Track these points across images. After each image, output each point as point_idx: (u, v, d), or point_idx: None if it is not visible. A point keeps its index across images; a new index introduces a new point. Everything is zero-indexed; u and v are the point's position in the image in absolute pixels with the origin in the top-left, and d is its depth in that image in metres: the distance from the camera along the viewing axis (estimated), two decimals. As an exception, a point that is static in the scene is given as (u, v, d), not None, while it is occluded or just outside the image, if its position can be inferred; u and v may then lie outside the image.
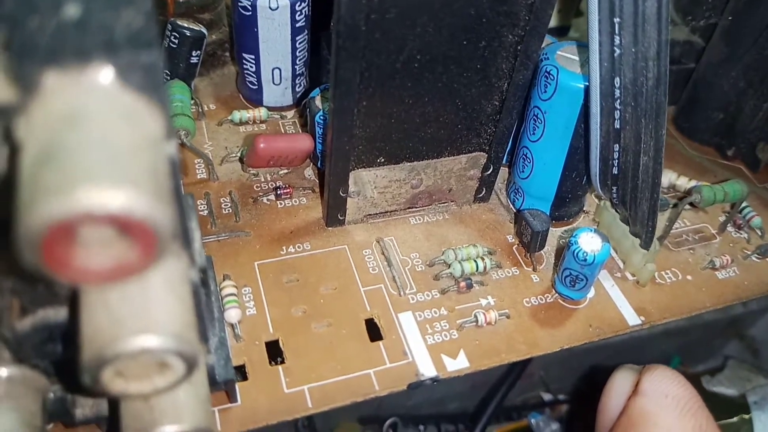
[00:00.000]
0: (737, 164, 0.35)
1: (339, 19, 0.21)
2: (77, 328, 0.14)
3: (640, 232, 0.27)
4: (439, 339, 0.25)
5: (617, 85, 0.23)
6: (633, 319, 0.27)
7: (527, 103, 0.27)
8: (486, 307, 0.26)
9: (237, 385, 0.23)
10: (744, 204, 0.32)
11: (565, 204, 0.29)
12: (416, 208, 0.30)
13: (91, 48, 0.12)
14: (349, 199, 0.28)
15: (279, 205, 0.29)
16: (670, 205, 0.31)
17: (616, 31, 0.22)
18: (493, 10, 0.23)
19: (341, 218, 0.28)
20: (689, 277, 0.29)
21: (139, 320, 0.14)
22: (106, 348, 0.14)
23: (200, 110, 0.32)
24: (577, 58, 0.26)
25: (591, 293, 0.28)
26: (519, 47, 0.24)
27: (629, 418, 0.22)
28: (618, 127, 0.24)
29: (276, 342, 0.25)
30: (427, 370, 0.24)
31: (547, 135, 0.27)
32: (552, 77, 0.26)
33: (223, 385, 0.21)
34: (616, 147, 0.24)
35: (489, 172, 0.29)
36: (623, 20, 0.22)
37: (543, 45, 0.26)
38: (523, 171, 0.29)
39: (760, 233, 0.31)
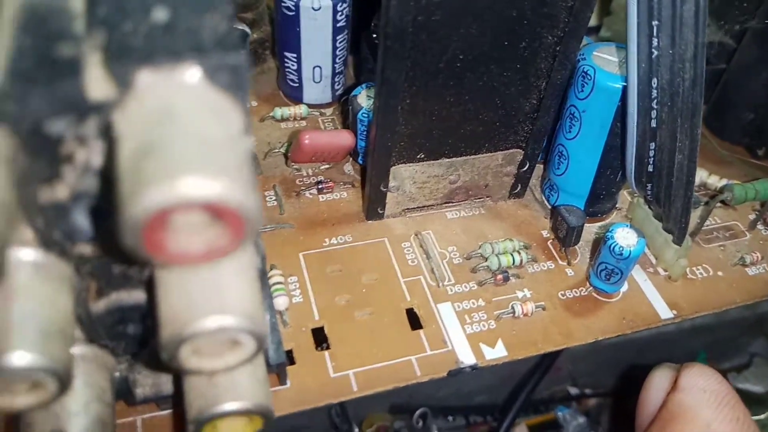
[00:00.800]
0: (766, 163, 0.35)
1: (387, 21, 0.22)
2: (155, 310, 0.16)
3: (674, 228, 0.28)
4: (477, 329, 0.26)
5: (654, 86, 0.24)
6: (665, 312, 0.28)
7: (564, 102, 0.28)
8: (522, 299, 0.27)
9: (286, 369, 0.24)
10: (777, 201, 0.32)
11: (599, 200, 0.30)
12: (453, 202, 0.31)
13: (180, 49, 0.13)
14: (388, 193, 0.29)
15: (321, 199, 0.30)
16: (702, 203, 0.31)
17: (654, 34, 0.23)
18: (534, 12, 0.24)
19: (381, 212, 0.29)
20: (720, 273, 0.30)
21: (215, 301, 0.15)
22: (185, 327, 0.15)
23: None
24: (613, 58, 0.27)
25: (624, 287, 0.28)
26: (558, 48, 0.25)
27: (668, 411, 0.23)
28: (654, 126, 0.25)
29: (321, 329, 0.26)
30: (467, 358, 0.25)
31: (583, 133, 0.28)
32: (589, 77, 0.26)
33: (276, 368, 0.23)
34: (652, 145, 0.25)
35: (525, 169, 0.30)
36: (661, 23, 0.23)
37: (582, 44, 0.27)
38: (558, 168, 0.30)
39: (790, 231, 0.32)
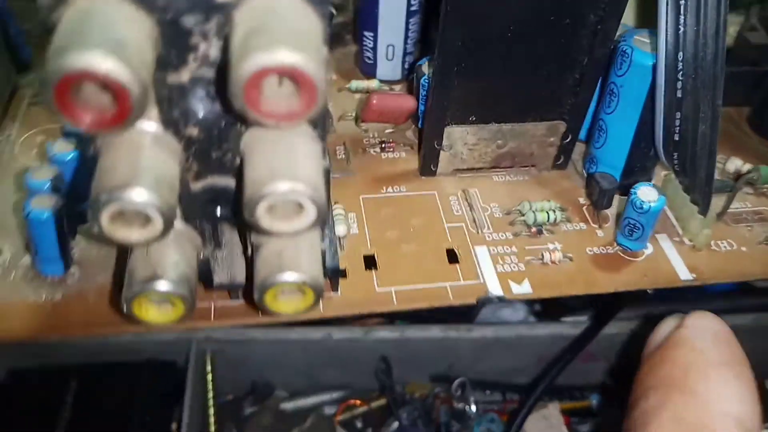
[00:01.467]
0: (803, 160, 0.37)
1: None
2: (243, 177, 0.20)
3: (699, 198, 0.30)
4: (507, 269, 0.30)
5: (680, 59, 0.27)
6: (685, 274, 0.30)
7: (605, 81, 0.32)
8: (552, 250, 0.31)
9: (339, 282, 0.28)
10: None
11: (634, 173, 0.33)
12: (500, 168, 0.34)
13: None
14: (441, 152, 0.33)
15: (383, 156, 0.35)
16: (731, 188, 0.34)
17: (682, 12, 0.26)
18: (578, -8, 0.28)
19: (433, 169, 0.33)
20: (744, 249, 0.32)
21: (289, 170, 0.19)
22: (264, 187, 0.19)
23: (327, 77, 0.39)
24: (649, 41, 0.30)
25: (649, 250, 0.31)
26: (599, 26, 0.29)
27: (669, 341, 0.25)
28: (680, 96, 0.28)
29: (372, 256, 0.30)
30: (495, 290, 0.29)
31: (620, 108, 0.31)
32: (627, 55, 0.30)
33: (330, 272, 0.27)
34: (678, 115, 0.28)
35: (567, 141, 0.33)
36: (688, 2, 0.26)
37: (621, 31, 0.30)
38: (598, 141, 0.33)
39: (820, 221, 0.34)
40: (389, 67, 0.39)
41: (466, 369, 0.48)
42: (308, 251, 0.24)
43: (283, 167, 0.20)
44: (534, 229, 0.31)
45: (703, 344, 0.24)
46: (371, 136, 0.36)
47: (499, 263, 0.30)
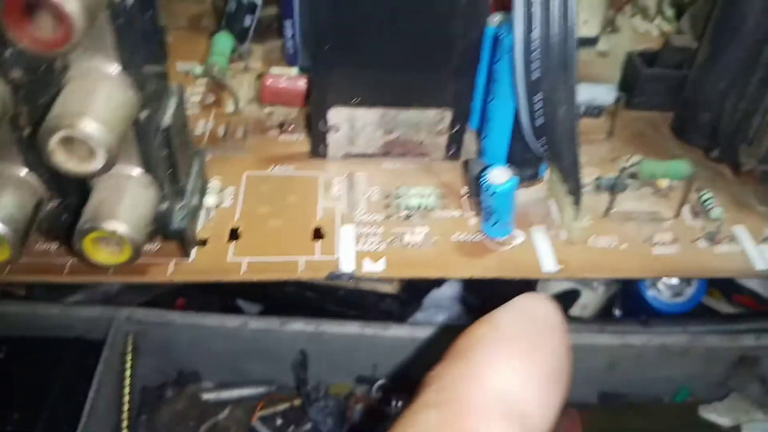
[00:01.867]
0: (722, 166, 0.36)
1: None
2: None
3: (569, 185, 0.30)
4: (367, 248, 0.30)
5: (533, 39, 0.27)
6: (550, 266, 0.30)
7: (491, 67, 0.32)
8: (414, 233, 0.30)
9: (196, 249, 0.29)
10: (708, 194, 0.33)
11: (518, 165, 0.32)
12: (392, 155, 0.34)
13: None
14: (329, 135, 0.33)
15: (280, 138, 0.36)
16: (627, 187, 0.33)
17: (532, -6, 0.26)
18: (441, -25, 0.28)
19: (323, 152, 0.34)
20: (624, 246, 0.31)
21: (85, 110, 0.21)
22: (59, 121, 0.20)
23: (246, 65, 0.40)
24: (526, 29, 0.30)
25: (520, 240, 0.31)
26: (470, 8, 0.29)
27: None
28: (535, 78, 0.27)
29: (236, 228, 0.30)
30: (348, 267, 0.29)
31: (497, 96, 0.31)
32: (500, 42, 0.30)
33: (173, 233, 0.28)
34: (536, 98, 0.28)
35: (455, 130, 0.33)
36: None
37: (503, 17, 0.30)
38: (483, 131, 0.33)
39: (716, 224, 0.32)
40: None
41: (392, 370, 0.48)
42: (130, 206, 0.25)
43: (82, 106, 0.21)
44: (404, 212, 0.31)
45: (508, 321, 0.21)
46: (275, 118, 0.37)
47: (362, 242, 0.30)
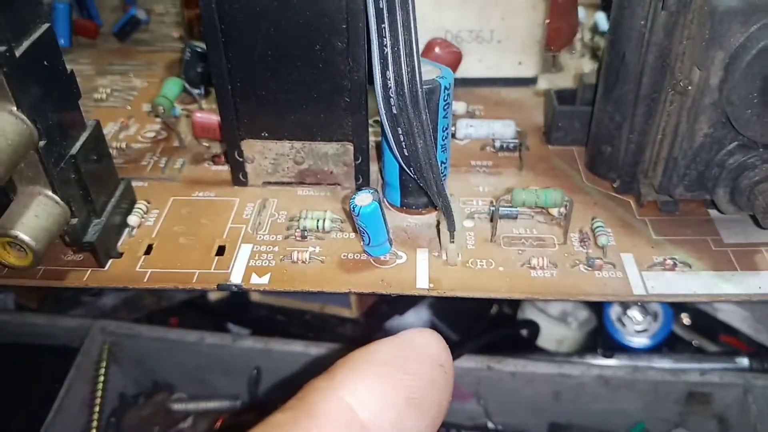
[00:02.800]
0: (627, 197, 0.37)
1: (202, 16, 0.32)
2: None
3: (443, 213, 0.32)
4: (259, 264, 0.33)
5: (388, 77, 0.30)
6: (423, 283, 0.32)
7: (383, 106, 0.35)
8: (302, 251, 0.33)
9: (112, 261, 0.33)
10: (600, 222, 0.34)
11: (410, 193, 0.35)
12: (306, 184, 0.38)
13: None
14: (247, 164, 0.37)
15: (212, 168, 0.40)
16: (517, 215, 0.35)
17: (384, 34, 0.29)
18: (317, 20, 0.32)
19: (243, 180, 0.38)
20: (501, 269, 0.33)
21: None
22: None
23: (199, 106, 0.45)
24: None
25: (403, 260, 0.33)
26: (349, 52, 0.33)
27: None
28: (395, 113, 0.30)
29: (151, 244, 0.34)
30: (236, 279, 0.32)
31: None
32: (381, 80, 0.33)
33: (85, 246, 0.32)
34: (400, 130, 0.31)
35: (359, 162, 0.36)
36: (386, 25, 0.29)
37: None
38: (381, 161, 0.36)
39: (602, 252, 0.33)
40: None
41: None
42: (34, 218, 0.29)
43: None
44: (299, 233, 0.34)
45: (383, 347, 0.21)
46: (212, 150, 0.41)
47: (255, 258, 0.33)
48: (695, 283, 0.32)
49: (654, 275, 0.32)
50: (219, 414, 0.50)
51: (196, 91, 0.44)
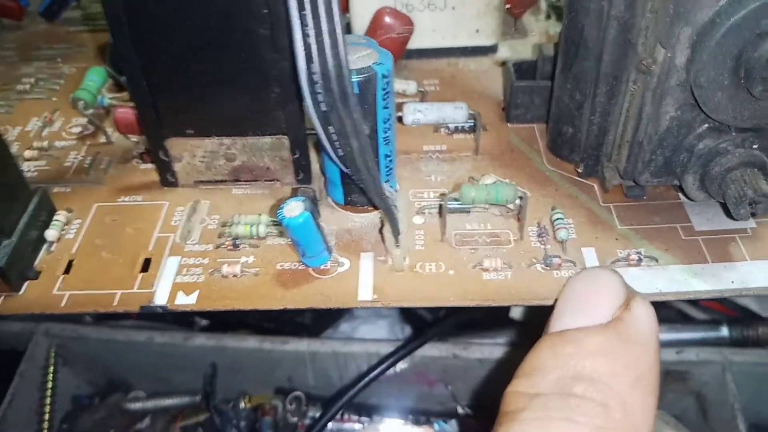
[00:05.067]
0: (591, 181, 0.34)
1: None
2: None
3: (384, 215, 0.29)
4: (186, 280, 0.30)
5: (313, 71, 0.26)
6: (366, 294, 0.29)
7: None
8: (242, 264, 0.30)
9: (28, 282, 0.30)
10: (559, 214, 0.31)
11: (354, 190, 0.32)
12: (242, 181, 0.35)
13: None
14: (175, 163, 0.34)
15: (141, 167, 0.36)
16: (470, 210, 0.32)
17: (305, 23, 0.26)
18: (237, 5, 0.28)
19: (172, 180, 0.34)
20: (452, 272, 0.30)
21: None
22: None
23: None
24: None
25: (345, 267, 0.30)
26: (274, 40, 0.29)
27: (622, 328, 0.23)
28: (325, 110, 0.27)
29: (71, 261, 0.31)
30: (161, 300, 0.29)
31: (320, 122, 0.30)
32: (311, 69, 0.29)
33: (-4, 271, 0.29)
34: (332, 129, 0.27)
35: (297, 156, 0.33)
36: (307, 13, 0.25)
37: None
38: (321, 155, 0.32)
39: (562, 248, 0.31)
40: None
41: (302, 385, 0.48)
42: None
43: None
44: (229, 241, 0.31)
45: (647, 361, 0.23)
46: (141, 147, 0.37)
47: (183, 274, 0.30)
48: (662, 279, 0.29)
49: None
50: (177, 411, 0.48)
51: (123, 78, 0.40)
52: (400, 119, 0.35)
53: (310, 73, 0.26)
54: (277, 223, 0.32)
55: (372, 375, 0.41)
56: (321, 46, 0.25)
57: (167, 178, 0.34)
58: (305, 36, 0.26)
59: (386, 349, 0.41)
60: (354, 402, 0.45)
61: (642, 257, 0.30)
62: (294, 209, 0.27)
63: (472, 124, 0.35)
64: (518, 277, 0.30)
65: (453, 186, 0.34)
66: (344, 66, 0.25)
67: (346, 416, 0.47)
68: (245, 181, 0.34)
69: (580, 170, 0.34)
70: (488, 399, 0.46)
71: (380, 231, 0.30)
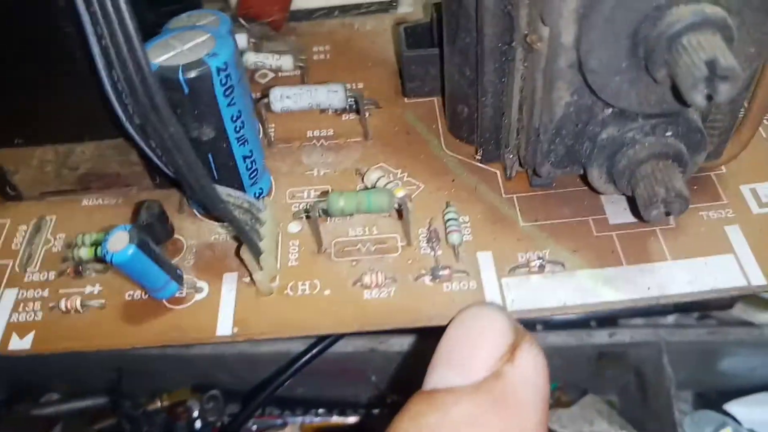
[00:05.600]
0: (493, 167, 0.29)
1: None
2: None
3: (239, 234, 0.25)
4: (23, 318, 0.26)
5: (116, 77, 0.21)
6: (226, 327, 0.25)
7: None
8: (86, 295, 0.26)
9: None
10: (452, 213, 0.27)
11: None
12: (93, 190, 0.30)
13: None
14: (17, 176, 0.29)
15: (-17, 177, 0.31)
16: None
17: (97, 20, 0.20)
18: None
19: (13, 193, 0.30)
20: (327, 292, 0.26)
21: None
22: None
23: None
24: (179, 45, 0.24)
25: (204, 293, 0.26)
26: (82, 36, 0.23)
27: (501, 388, 0.20)
28: (138, 123, 0.22)
29: None
30: (-9, 344, 0.25)
31: (159, 125, 0.25)
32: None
33: None
34: (153, 144, 0.23)
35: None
36: (97, 7, 0.20)
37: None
38: (173, 160, 0.28)
39: (454, 254, 0.26)
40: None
41: (218, 381, 0.45)
42: None
43: None
44: (71, 268, 0.27)
45: (530, 423, 0.20)
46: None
47: (19, 311, 0.26)
48: (567, 288, 0.25)
49: (517, 282, 0.26)
50: (93, 412, 0.45)
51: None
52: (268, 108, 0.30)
53: (113, 82, 0.21)
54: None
55: (283, 377, 0.37)
56: (119, 49, 0.20)
57: (7, 192, 0.30)
58: (99, 37, 0.21)
59: (297, 347, 0.38)
60: (276, 396, 0.42)
61: (545, 262, 0.26)
62: (118, 241, 0.23)
63: (352, 105, 0.30)
64: (403, 294, 0.26)
65: (337, 182, 0.29)
66: (146, 70, 0.20)
67: (268, 412, 0.44)
68: (97, 189, 0.30)
69: (478, 156, 0.29)
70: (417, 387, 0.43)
71: (237, 254, 0.26)
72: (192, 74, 0.23)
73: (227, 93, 0.24)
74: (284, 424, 0.43)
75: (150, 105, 0.21)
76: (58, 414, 0.45)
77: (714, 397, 0.43)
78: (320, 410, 0.43)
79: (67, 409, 0.46)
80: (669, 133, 0.23)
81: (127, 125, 0.22)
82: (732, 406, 0.42)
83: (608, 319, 0.42)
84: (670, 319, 0.44)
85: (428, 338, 0.39)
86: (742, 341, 0.39)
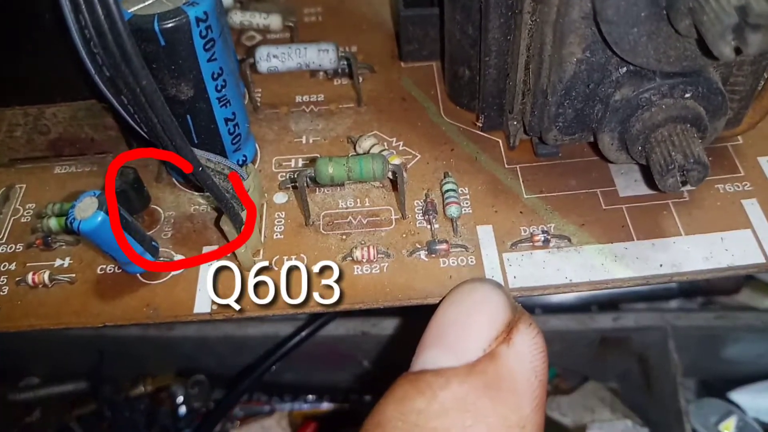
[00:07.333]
0: (495, 136, 0.27)
1: None
2: None
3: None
4: (-12, 293, 0.24)
5: (84, 22, 0.19)
6: (204, 305, 0.23)
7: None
8: (56, 269, 0.24)
9: None
10: (450, 184, 0.25)
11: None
12: (66, 156, 0.28)
13: None
14: (-16, 141, 0.27)
15: (-54, 142, 0.29)
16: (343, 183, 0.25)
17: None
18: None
19: (-20, 160, 0.28)
20: (316, 268, 0.24)
21: None
22: None
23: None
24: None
25: (179, 271, 0.24)
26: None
27: (495, 370, 0.18)
28: (109, 75, 0.20)
29: None
30: (-49, 321, 0.23)
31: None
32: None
33: None
34: (125, 100, 0.21)
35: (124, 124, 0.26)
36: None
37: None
38: (150, 124, 0.25)
39: (452, 227, 0.25)
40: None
41: (202, 367, 0.43)
42: None
43: None
44: (40, 240, 0.25)
45: (525, 408, 0.18)
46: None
47: (-16, 285, 0.24)
48: (574, 264, 0.23)
49: (519, 258, 0.24)
50: (73, 398, 0.43)
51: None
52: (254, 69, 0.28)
53: (81, 28, 0.19)
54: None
55: (270, 361, 0.35)
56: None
57: (-27, 158, 0.28)
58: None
59: (286, 330, 0.36)
60: (263, 381, 0.40)
61: (550, 237, 0.24)
62: (86, 208, 0.21)
63: (344, 67, 0.28)
64: (396, 270, 0.24)
65: (327, 150, 0.27)
66: (115, 13, 0.18)
67: (255, 398, 0.42)
68: (70, 155, 0.28)
69: (480, 123, 0.27)
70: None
71: (217, 224, 0.24)
72: (169, 24, 0.21)
73: (207, 47, 0.22)
74: (272, 411, 0.41)
75: (120, 54, 0.19)
76: (37, 399, 0.44)
77: (718, 385, 0.42)
78: (309, 396, 0.42)
79: (46, 394, 0.44)
80: (688, 95, 0.22)
81: (96, 78, 0.20)
82: (736, 395, 0.41)
83: (609, 303, 0.41)
84: (674, 303, 0.42)
85: (424, 319, 0.38)
86: (750, 326, 0.37)
